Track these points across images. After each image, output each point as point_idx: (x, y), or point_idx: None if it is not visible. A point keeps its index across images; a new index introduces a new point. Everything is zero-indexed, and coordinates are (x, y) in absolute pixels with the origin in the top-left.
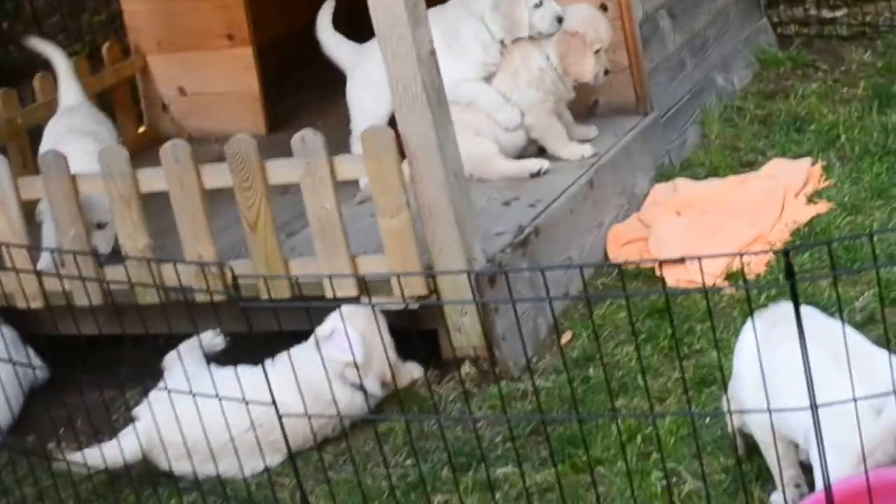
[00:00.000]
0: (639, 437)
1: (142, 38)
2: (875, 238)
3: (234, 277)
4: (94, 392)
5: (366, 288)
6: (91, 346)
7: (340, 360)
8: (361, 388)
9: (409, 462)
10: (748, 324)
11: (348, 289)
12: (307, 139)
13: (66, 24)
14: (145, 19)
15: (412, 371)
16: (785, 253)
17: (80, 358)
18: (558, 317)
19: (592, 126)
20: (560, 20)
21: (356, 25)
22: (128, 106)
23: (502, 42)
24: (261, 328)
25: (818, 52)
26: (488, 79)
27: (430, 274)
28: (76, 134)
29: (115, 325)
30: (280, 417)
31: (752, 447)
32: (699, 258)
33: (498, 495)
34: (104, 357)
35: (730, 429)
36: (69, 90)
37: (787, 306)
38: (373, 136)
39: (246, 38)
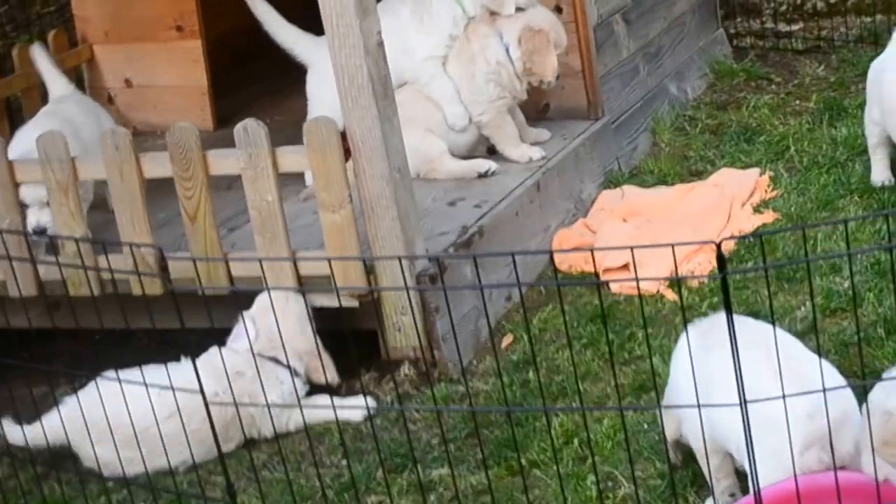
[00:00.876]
0: (576, 441)
1: (89, 28)
2: (817, 245)
3: (163, 258)
4: (24, 388)
5: (300, 282)
6: (21, 341)
7: (242, 347)
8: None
9: (344, 462)
10: (685, 333)
11: (287, 284)
12: (250, 129)
13: (14, 15)
14: (93, 8)
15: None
16: (717, 245)
17: (8, 351)
18: (500, 320)
19: (545, 129)
20: None
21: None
22: None
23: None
24: (194, 324)
25: (773, 64)
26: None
27: (363, 259)
28: (47, 118)
29: (47, 320)
30: (206, 402)
31: (689, 454)
32: (631, 248)
33: (432, 497)
34: (38, 352)
35: (664, 432)
36: (54, 81)
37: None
38: (316, 128)
39: (196, 30)
